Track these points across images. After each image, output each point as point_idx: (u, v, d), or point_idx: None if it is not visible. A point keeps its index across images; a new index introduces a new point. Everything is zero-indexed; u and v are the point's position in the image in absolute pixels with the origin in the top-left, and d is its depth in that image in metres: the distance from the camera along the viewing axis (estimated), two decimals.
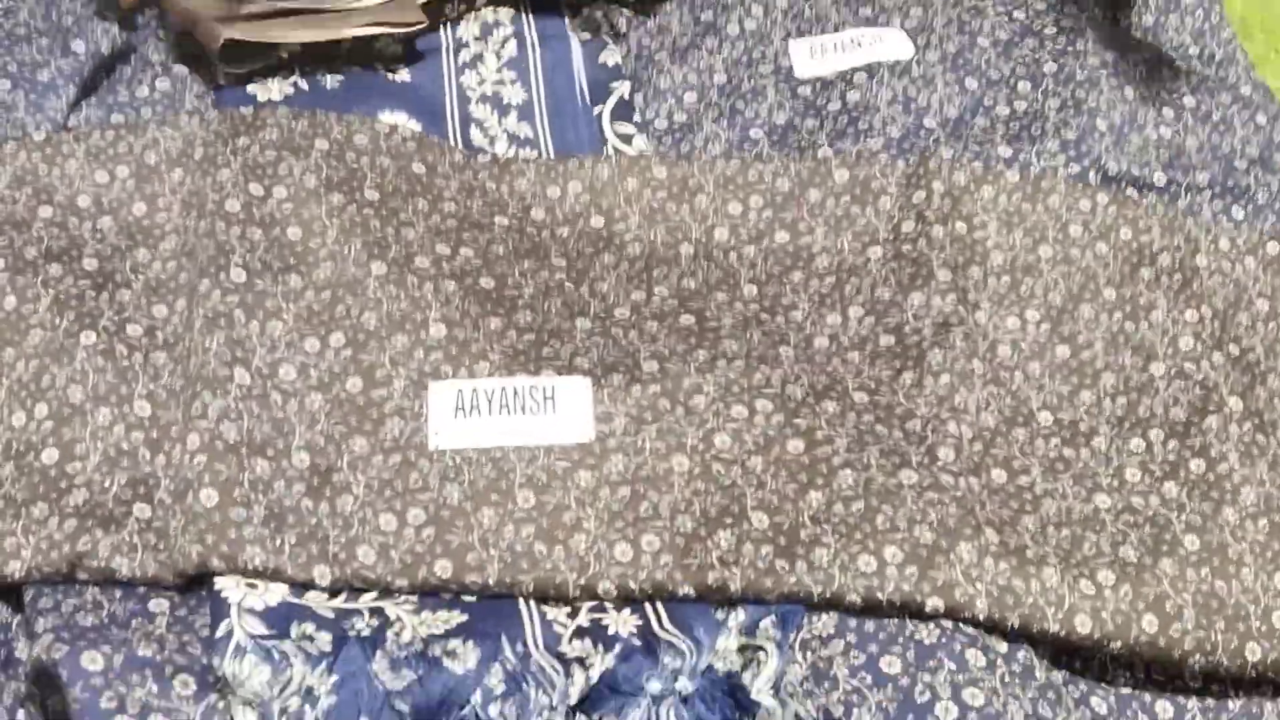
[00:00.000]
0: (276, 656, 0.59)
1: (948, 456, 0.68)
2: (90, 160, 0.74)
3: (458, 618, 0.62)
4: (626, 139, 0.82)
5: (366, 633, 0.61)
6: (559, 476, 0.66)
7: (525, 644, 0.61)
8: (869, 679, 0.61)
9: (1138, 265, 0.76)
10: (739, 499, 0.66)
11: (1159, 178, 0.82)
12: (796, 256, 0.76)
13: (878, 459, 0.67)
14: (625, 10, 0.88)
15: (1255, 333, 0.75)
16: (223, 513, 0.63)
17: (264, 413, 0.66)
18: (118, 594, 0.62)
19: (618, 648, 0.61)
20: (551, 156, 0.80)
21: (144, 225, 0.73)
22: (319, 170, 0.74)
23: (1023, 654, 0.63)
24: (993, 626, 0.63)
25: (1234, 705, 0.66)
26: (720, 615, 0.63)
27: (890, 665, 0.61)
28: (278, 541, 0.63)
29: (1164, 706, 0.66)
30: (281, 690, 0.58)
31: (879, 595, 0.63)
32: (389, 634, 0.61)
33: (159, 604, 0.62)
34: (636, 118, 0.83)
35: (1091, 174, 0.80)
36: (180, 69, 0.82)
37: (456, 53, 0.85)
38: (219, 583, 0.62)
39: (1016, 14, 0.88)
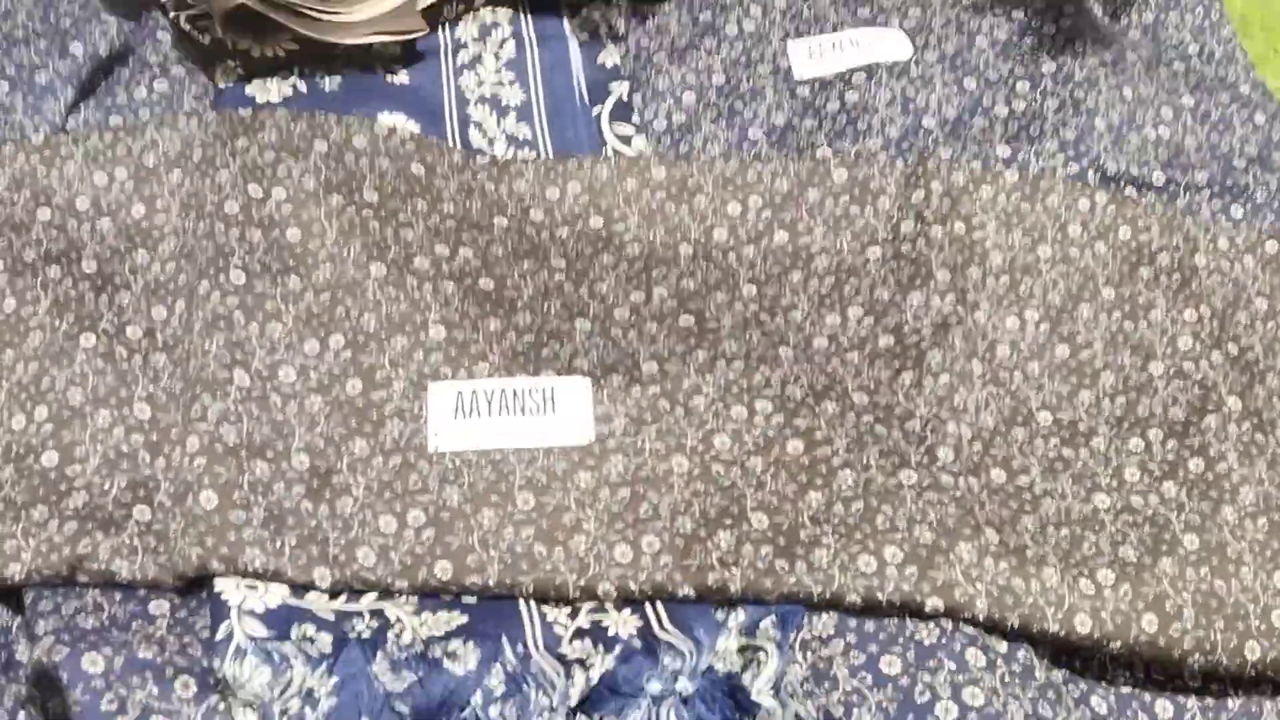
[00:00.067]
0: (277, 658, 0.59)
1: (947, 456, 0.68)
2: (89, 162, 0.74)
3: (458, 619, 0.62)
4: (625, 140, 0.82)
5: (367, 634, 0.61)
6: (559, 478, 0.66)
7: (525, 645, 0.61)
8: (869, 679, 0.61)
9: (1137, 265, 0.76)
10: (739, 500, 0.66)
11: (1158, 177, 0.82)
12: (795, 257, 0.76)
13: (877, 459, 0.67)
14: (623, 10, 0.88)
15: (1254, 332, 0.75)
16: (222, 515, 0.63)
17: (263, 415, 0.66)
18: (118, 596, 0.62)
19: (618, 649, 0.61)
20: (550, 157, 0.80)
21: (143, 227, 0.73)
22: (318, 172, 0.74)
23: (1023, 654, 0.63)
24: (993, 626, 0.63)
25: (1233, 704, 0.66)
26: (720, 616, 0.63)
27: (890, 665, 0.61)
28: (278, 543, 0.63)
29: (1164, 706, 0.66)
30: (282, 692, 0.58)
31: (879, 595, 0.63)
32: (389, 635, 0.61)
33: (159, 606, 0.62)
34: (635, 118, 0.83)
35: (1090, 174, 0.80)
36: (178, 70, 0.82)
37: (455, 54, 0.85)
38: (219, 585, 0.62)
39: (1015, 14, 0.88)
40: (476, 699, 0.59)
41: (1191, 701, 0.66)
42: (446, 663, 0.60)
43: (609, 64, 0.86)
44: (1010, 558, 0.64)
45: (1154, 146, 0.83)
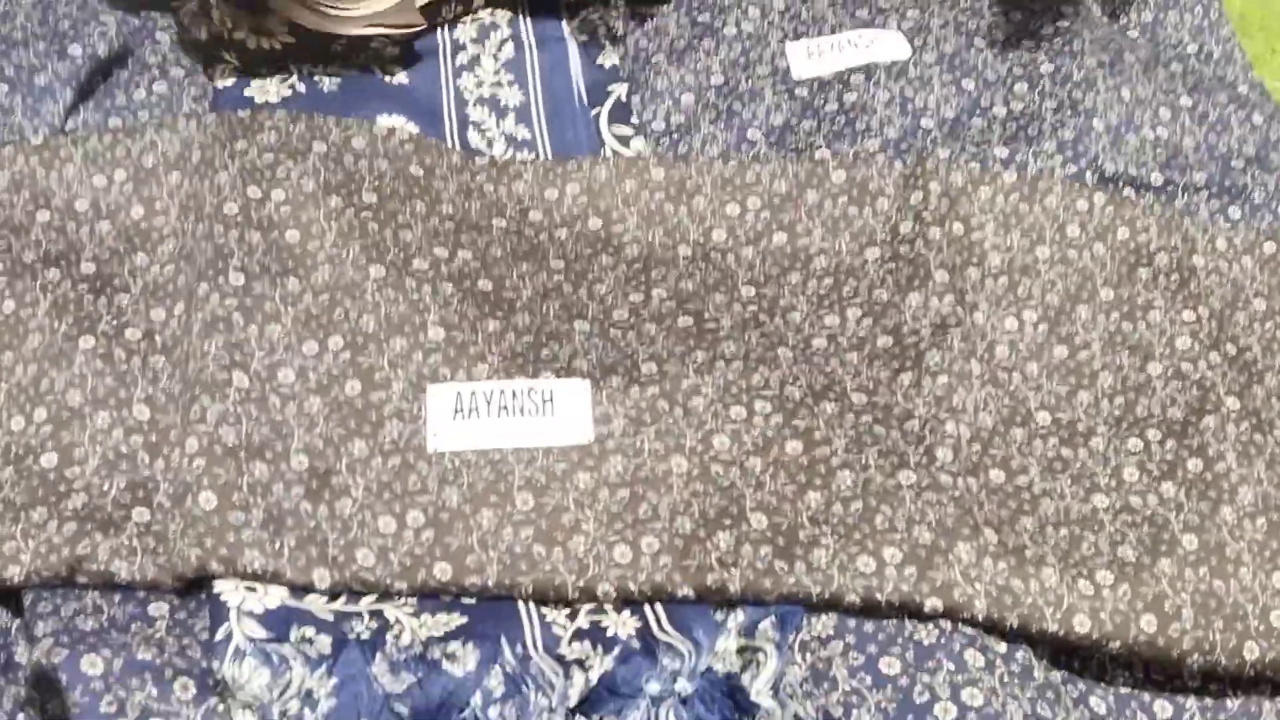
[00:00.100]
0: (276, 660, 0.59)
1: (946, 457, 0.68)
2: (88, 164, 0.74)
3: (457, 620, 0.62)
4: (624, 141, 0.82)
5: (366, 635, 0.61)
6: (558, 478, 0.66)
7: (525, 646, 0.61)
8: (868, 679, 0.61)
9: (1135, 265, 0.76)
10: (738, 500, 0.66)
11: (1156, 178, 0.82)
12: (794, 258, 0.76)
13: (876, 460, 0.67)
14: (622, 12, 0.88)
15: (1252, 332, 0.75)
16: (221, 516, 0.63)
17: (262, 416, 0.66)
18: (117, 598, 0.62)
19: (617, 649, 0.61)
20: (549, 158, 0.80)
21: (142, 229, 0.73)
22: (317, 173, 0.74)
23: (1021, 654, 0.63)
24: (991, 627, 0.63)
25: (1232, 704, 0.66)
26: (719, 616, 0.63)
27: (889, 666, 0.61)
28: (277, 544, 0.63)
29: (1163, 706, 0.66)
30: (281, 693, 0.58)
31: (878, 596, 0.63)
32: (388, 636, 0.61)
33: (158, 607, 0.62)
34: (634, 119, 0.83)
35: (1088, 174, 0.80)
36: (177, 72, 0.82)
37: (454, 55, 0.85)
38: (218, 586, 0.62)
39: (1013, 15, 0.88)
40: (476, 700, 0.59)
41: (1190, 701, 0.66)
42: (446, 664, 0.60)
43: (608, 65, 0.86)
44: (1009, 558, 0.64)
45: (1152, 147, 0.83)
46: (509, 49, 0.85)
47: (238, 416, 0.66)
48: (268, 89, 0.81)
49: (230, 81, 0.82)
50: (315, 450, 0.66)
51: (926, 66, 0.85)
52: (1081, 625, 0.63)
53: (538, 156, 0.81)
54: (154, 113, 0.80)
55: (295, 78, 0.82)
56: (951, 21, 0.88)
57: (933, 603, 0.62)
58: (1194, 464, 0.69)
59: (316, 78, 0.82)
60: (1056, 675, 0.65)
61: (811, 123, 0.83)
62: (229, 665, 0.58)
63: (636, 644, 0.62)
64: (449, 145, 0.80)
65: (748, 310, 0.74)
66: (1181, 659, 0.64)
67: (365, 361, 0.69)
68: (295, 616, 0.61)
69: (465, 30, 0.86)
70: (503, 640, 0.61)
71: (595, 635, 0.62)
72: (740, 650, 0.62)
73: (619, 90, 0.85)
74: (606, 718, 0.60)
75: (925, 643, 0.62)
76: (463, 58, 0.85)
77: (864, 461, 0.67)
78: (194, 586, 0.63)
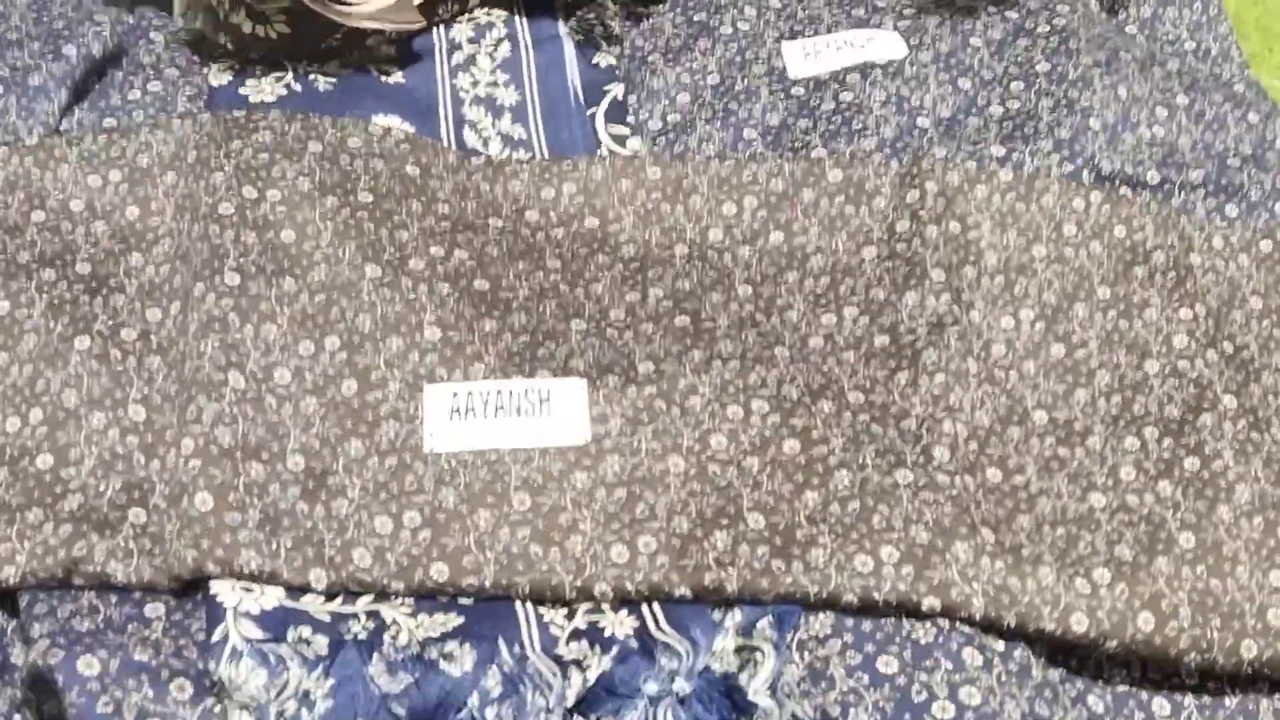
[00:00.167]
0: (273, 660, 0.59)
1: (943, 456, 0.68)
2: (83, 164, 0.74)
3: (454, 620, 0.62)
4: (620, 140, 0.82)
5: (363, 636, 0.61)
6: (555, 478, 0.66)
7: (522, 646, 0.61)
8: (866, 679, 0.61)
9: (1131, 264, 0.76)
10: (735, 500, 0.66)
11: (1152, 176, 0.82)
12: (791, 257, 0.76)
13: (873, 459, 0.67)
14: (618, 11, 0.88)
15: (1249, 330, 0.75)
16: (218, 517, 0.63)
17: (259, 416, 0.66)
18: (113, 599, 0.62)
19: (614, 649, 0.61)
20: (545, 158, 0.80)
21: (137, 229, 0.73)
22: (312, 173, 0.74)
23: (1019, 653, 0.63)
24: (989, 626, 0.63)
25: (1230, 703, 0.66)
26: (717, 616, 0.63)
27: (887, 665, 0.61)
28: (273, 545, 0.63)
29: (1160, 704, 0.66)
30: (278, 694, 0.58)
31: (875, 595, 0.63)
32: (385, 637, 0.61)
33: (155, 608, 0.62)
34: (630, 119, 0.83)
35: (1085, 173, 0.80)
36: (172, 72, 0.81)
37: (450, 55, 0.85)
38: (214, 587, 0.62)
39: (1009, 14, 0.88)
40: (473, 700, 0.59)
41: (1188, 700, 0.66)
42: (443, 664, 0.60)
43: (604, 65, 0.86)
44: (1006, 557, 0.64)
45: (1149, 146, 0.83)
46: (505, 48, 0.85)
47: (234, 417, 0.65)
48: (263, 88, 0.81)
49: (225, 80, 0.82)
50: (311, 450, 0.66)
51: (922, 66, 0.85)
52: (1079, 624, 0.63)
53: (534, 156, 0.81)
54: (149, 113, 0.79)
55: (290, 77, 0.82)
56: (947, 20, 0.88)
57: (930, 602, 0.62)
58: (1191, 462, 0.69)
59: (312, 77, 0.82)
60: (1054, 674, 0.65)
61: (808, 122, 0.83)
62: (226, 666, 0.58)
63: (634, 644, 0.62)
64: (445, 145, 0.80)
65: (744, 310, 0.74)
66: (1179, 657, 0.64)
67: (361, 361, 0.69)
68: (292, 617, 0.61)
69: (461, 29, 0.86)
70: (500, 640, 0.61)
71: (593, 635, 0.62)
72: (738, 650, 0.62)
73: (615, 89, 0.85)
74: (604, 718, 0.60)
75: (923, 642, 0.62)
76: (458, 57, 0.85)
77: (861, 461, 0.67)
78: (190, 587, 0.63)
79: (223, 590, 0.62)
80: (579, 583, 0.63)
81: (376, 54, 0.84)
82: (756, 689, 0.61)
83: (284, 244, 0.71)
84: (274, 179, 0.73)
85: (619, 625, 0.63)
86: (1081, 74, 0.83)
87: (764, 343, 0.72)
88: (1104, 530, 0.67)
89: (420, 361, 0.69)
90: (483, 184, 0.77)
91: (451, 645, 0.60)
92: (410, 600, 0.63)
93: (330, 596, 0.63)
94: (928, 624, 0.63)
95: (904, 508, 0.65)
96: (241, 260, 0.70)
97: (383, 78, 0.83)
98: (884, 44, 0.86)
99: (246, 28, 0.81)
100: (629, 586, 0.63)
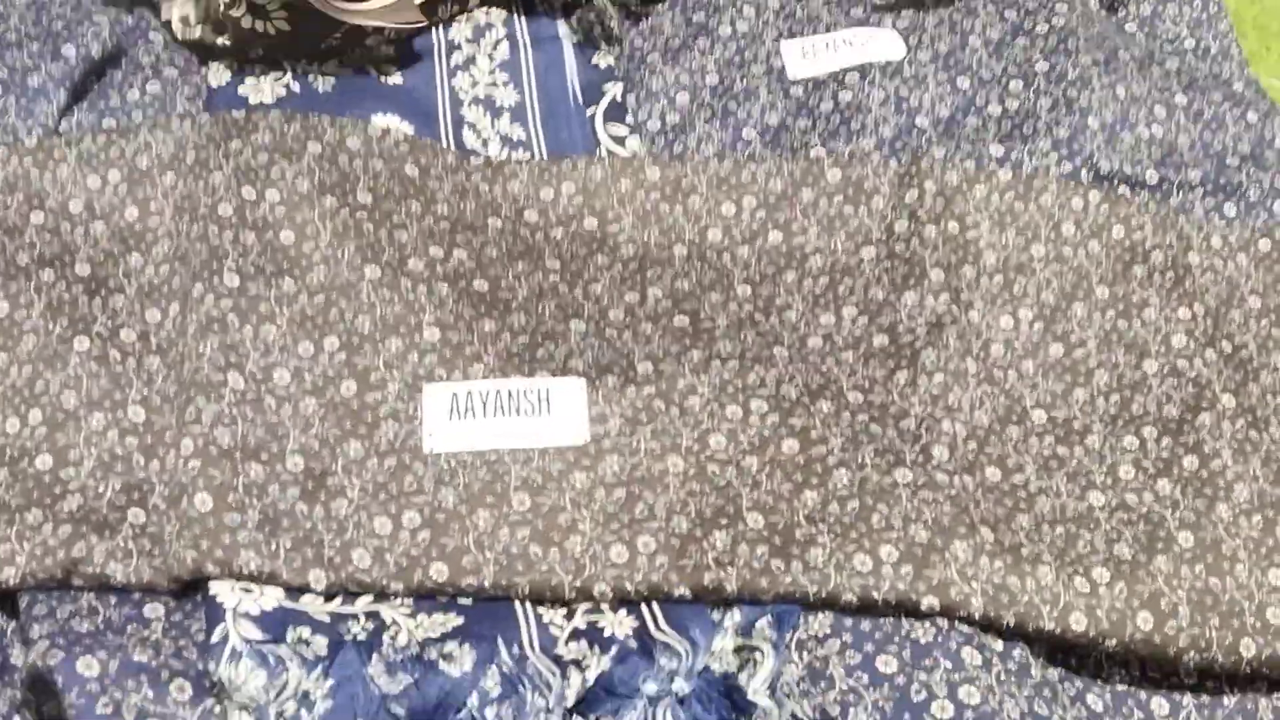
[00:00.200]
0: (272, 661, 0.59)
1: (942, 455, 0.68)
2: (82, 165, 0.74)
3: (454, 621, 0.62)
4: (619, 140, 0.82)
5: (362, 636, 0.61)
6: (554, 478, 0.66)
7: (521, 646, 0.61)
8: (865, 678, 0.61)
9: (1130, 263, 0.76)
10: (734, 499, 0.66)
11: (1151, 175, 0.82)
12: (790, 257, 0.76)
13: (872, 458, 0.67)
14: (617, 12, 0.88)
15: (1247, 329, 0.75)
16: (217, 518, 0.63)
17: (258, 417, 0.66)
18: (113, 599, 0.62)
19: (614, 649, 0.61)
20: (544, 158, 0.80)
21: (136, 230, 0.73)
22: (312, 174, 0.74)
23: (1018, 652, 0.63)
24: (988, 625, 0.63)
25: (1229, 701, 0.66)
26: (716, 616, 0.63)
27: (886, 664, 0.61)
28: (272, 546, 0.63)
29: (1159, 703, 0.66)
30: (277, 695, 0.58)
31: (874, 594, 0.63)
32: (385, 637, 0.61)
33: (154, 609, 0.62)
34: (629, 119, 0.83)
35: (1084, 172, 0.80)
36: (170, 72, 0.81)
37: (449, 55, 0.85)
38: (214, 588, 0.62)
39: (1007, 13, 0.88)
40: (472, 701, 0.59)
41: (1187, 699, 0.66)
42: (442, 664, 0.60)
43: (603, 65, 0.86)
44: (1005, 556, 0.64)
45: (1147, 145, 0.83)
46: (504, 49, 0.85)
47: (233, 418, 0.65)
48: (262, 88, 0.81)
49: (224, 81, 0.82)
50: (311, 451, 0.66)
51: (921, 65, 0.85)
52: (1078, 623, 0.63)
53: (533, 156, 0.81)
54: (148, 113, 0.79)
55: (289, 77, 0.82)
56: (946, 20, 0.88)
57: (929, 601, 0.63)
58: (1190, 461, 0.69)
59: (311, 77, 0.82)
60: (1053, 673, 0.65)
61: (806, 122, 0.83)
62: (225, 667, 0.58)
63: (633, 644, 0.62)
64: (444, 145, 0.80)
65: (743, 309, 0.74)
66: (1178, 656, 0.64)
67: (361, 362, 0.69)
68: (291, 618, 0.61)
69: (460, 30, 0.86)
70: (499, 641, 0.61)
71: (592, 635, 0.62)
72: (737, 649, 0.62)
73: (614, 90, 0.85)
74: (604, 718, 0.60)
75: (922, 641, 0.62)
76: (458, 57, 0.85)
77: (860, 460, 0.67)
78: (190, 588, 0.63)
79: (222, 591, 0.62)
80: (578, 583, 0.63)
81: (376, 54, 0.84)
82: (756, 689, 0.61)
83: (283, 245, 0.71)
84: (273, 179, 0.73)
85: (618, 625, 0.63)
86: (1080, 73, 0.83)
87: (763, 342, 0.72)
88: (1103, 529, 0.67)
89: (419, 362, 0.69)
90: (482, 184, 0.77)
91: (451, 645, 0.61)
92: (409, 601, 0.63)
93: (329, 597, 0.63)
94: (927, 623, 0.63)
95: (903, 507, 0.65)
96: (240, 261, 0.70)
97: (382, 78, 0.83)
98: (883, 44, 0.86)
99: (246, 23, 0.80)
100: (628, 586, 0.63)
